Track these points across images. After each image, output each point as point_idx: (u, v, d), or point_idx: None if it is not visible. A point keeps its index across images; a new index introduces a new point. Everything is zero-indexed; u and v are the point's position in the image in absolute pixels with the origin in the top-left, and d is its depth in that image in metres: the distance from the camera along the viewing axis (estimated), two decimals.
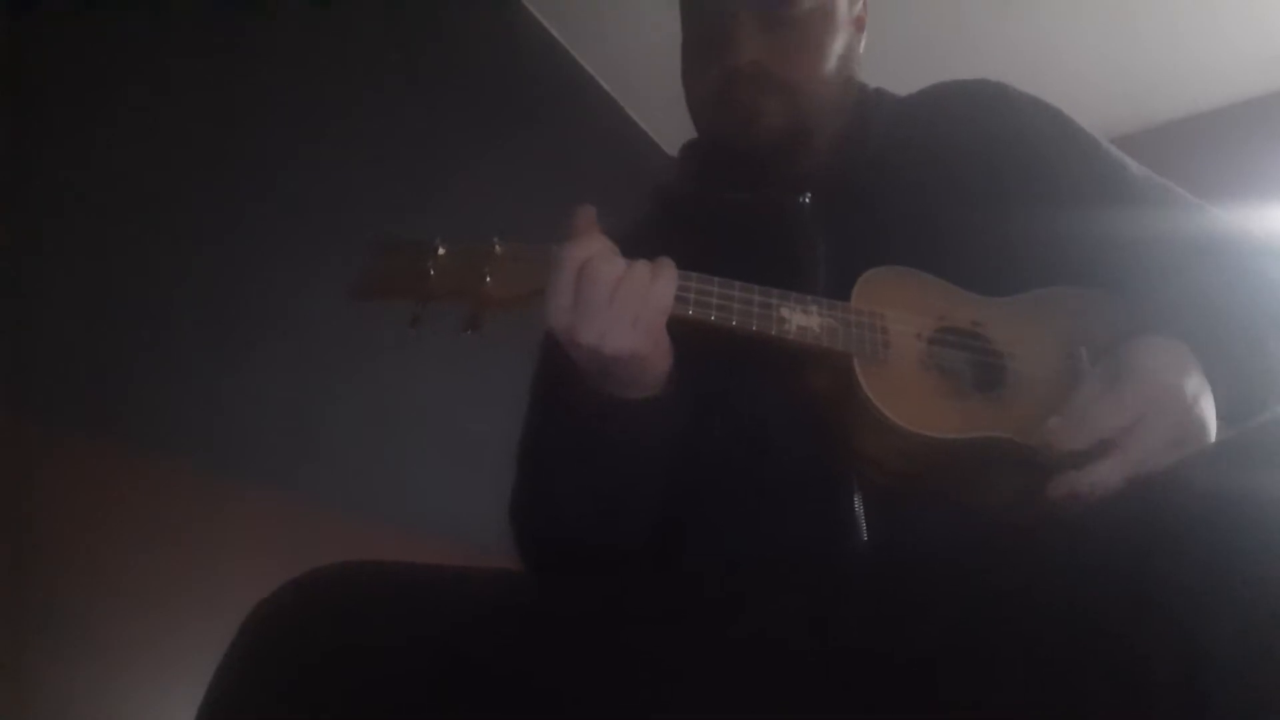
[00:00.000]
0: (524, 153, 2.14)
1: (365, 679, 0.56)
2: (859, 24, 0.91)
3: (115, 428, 1.38)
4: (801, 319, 0.72)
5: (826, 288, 0.76)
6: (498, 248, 0.72)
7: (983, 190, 0.83)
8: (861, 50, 0.92)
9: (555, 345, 0.80)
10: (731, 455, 0.78)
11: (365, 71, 1.92)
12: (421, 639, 0.58)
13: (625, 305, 0.67)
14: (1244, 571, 0.43)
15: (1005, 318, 0.77)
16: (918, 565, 0.61)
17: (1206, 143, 2.41)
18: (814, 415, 0.76)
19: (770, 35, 0.81)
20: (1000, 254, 0.79)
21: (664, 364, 0.72)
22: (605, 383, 0.72)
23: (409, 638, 0.58)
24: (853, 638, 0.55)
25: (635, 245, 0.71)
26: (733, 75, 0.81)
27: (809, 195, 0.86)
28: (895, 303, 0.75)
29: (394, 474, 1.82)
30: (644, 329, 0.68)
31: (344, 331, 1.77)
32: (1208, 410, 0.67)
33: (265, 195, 1.67)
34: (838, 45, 0.86)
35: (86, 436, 1.33)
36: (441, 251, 0.72)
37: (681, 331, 0.72)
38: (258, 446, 1.59)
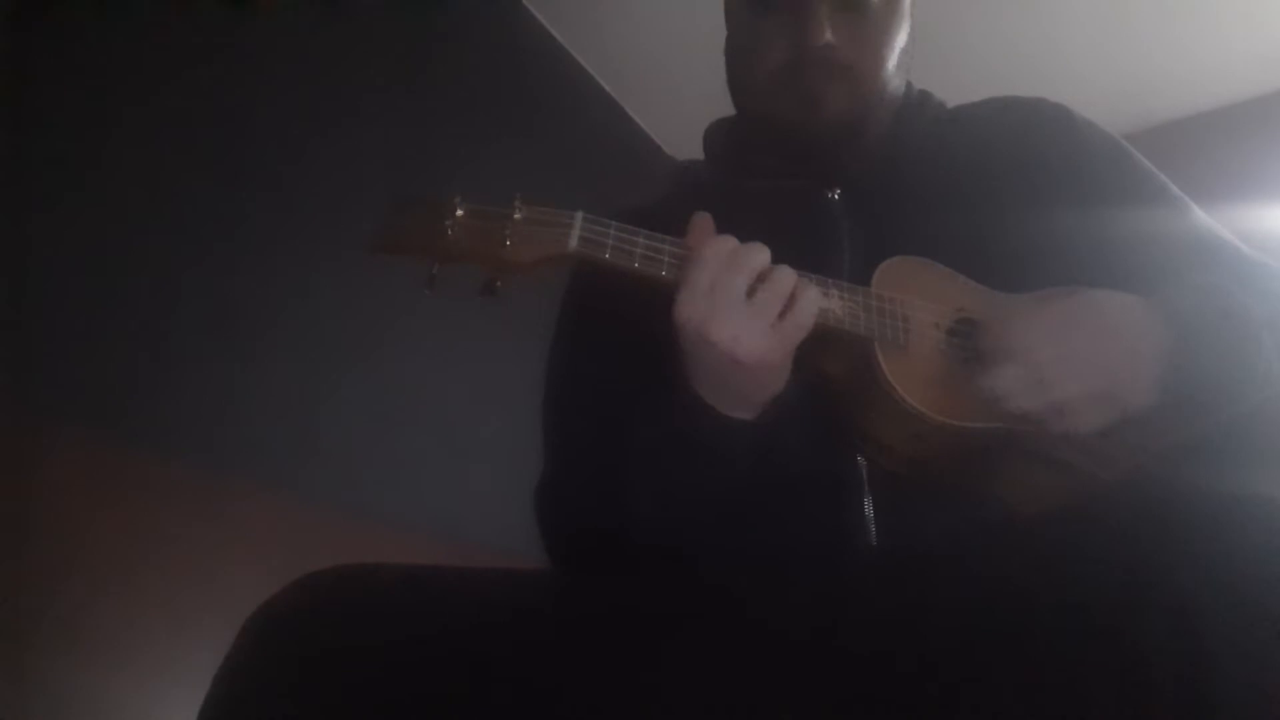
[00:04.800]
0: (524, 153, 2.14)
1: (367, 681, 0.56)
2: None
3: (115, 428, 1.38)
4: (823, 301, 0.72)
5: (850, 282, 0.76)
6: (518, 211, 0.70)
7: (1025, 198, 0.83)
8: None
9: (584, 324, 0.80)
10: None
11: (365, 71, 1.92)
12: (423, 640, 0.58)
13: (765, 306, 0.67)
14: (1244, 571, 0.44)
15: (1019, 313, 0.78)
16: (922, 566, 0.61)
17: (1206, 143, 2.41)
18: (824, 410, 0.76)
19: (844, 19, 0.82)
20: (1028, 258, 0.79)
21: (781, 383, 0.71)
22: (718, 390, 0.70)
23: (411, 639, 0.58)
24: (857, 639, 0.55)
25: (654, 225, 0.71)
26: (803, 57, 0.82)
27: (838, 191, 0.86)
28: (914, 291, 0.75)
29: (394, 474, 1.82)
30: (780, 338, 0.67)
31: (344, 331, 1.78)
32: (1140, 349, 0.69)
33: (265, 195, 1.67)
34: (901, 38, 0.87)
35: (87, 437, 1.33)
36: (460, 212, 0.70)
37: None
38: (258, 446, 1.59)
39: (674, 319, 0.68)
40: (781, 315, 0.68)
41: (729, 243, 0.69)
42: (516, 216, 0.70)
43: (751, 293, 0.67)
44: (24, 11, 1.36)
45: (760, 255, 0.69)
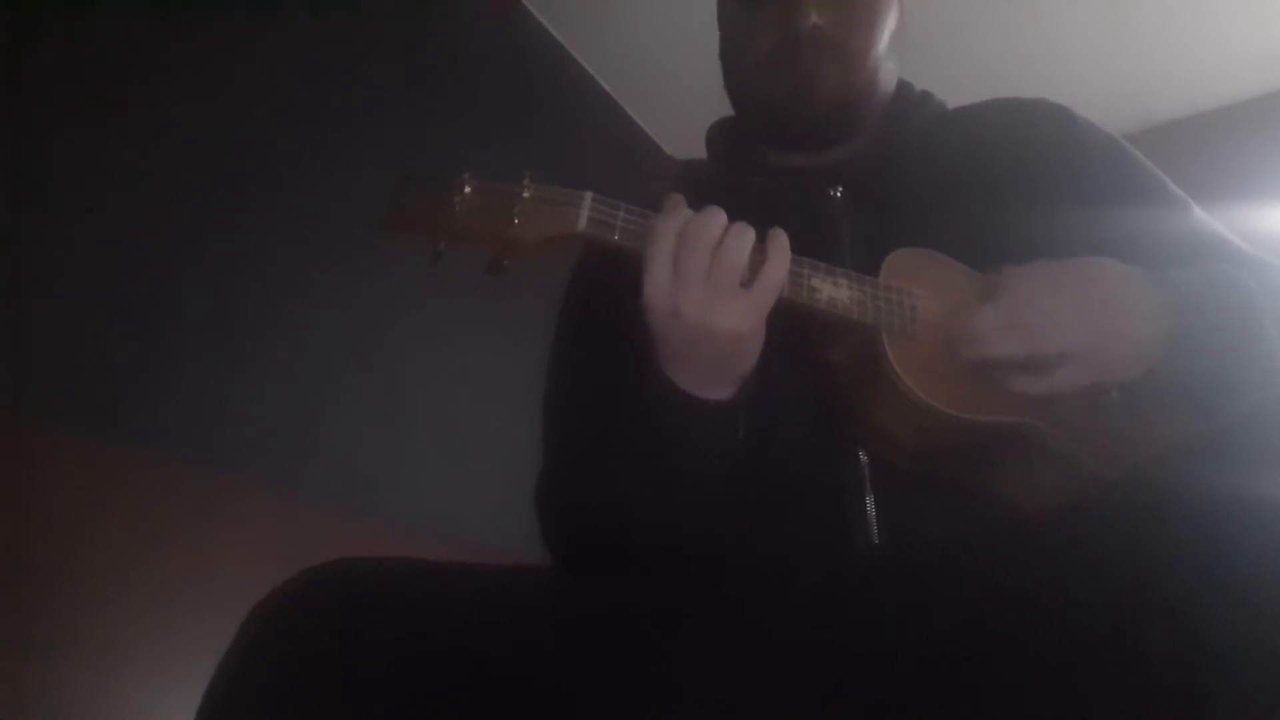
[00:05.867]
0: (524, 153, 2.14)
1: (367, 677, 0.56)
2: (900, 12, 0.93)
3: (115, 428, 1.38)
4: (831, 290, 0.71)
5: None
6: (526, 190, 0.70)
7: (1026, 197, 0.84)
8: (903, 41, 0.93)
9: (585, 320, 0.80)
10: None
11: (366, 71, 1.92)
12: (423, 636, 0.58)
13: (731, 271, 0.66)
14: (1244, 571, 0.43)
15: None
16: (923, 565, 0.61)
17: (1206, 143, 2.41)
18: (827, 404, 0.76)
19: (830, 2, 0.84)
20: (1028, 257, 0.79)
21: (754, 355, 0.71)
22: (692, 369, 0.69)
23: (411, 635, 0.58)
24: (858, 637, 0.55)
25: None
26: (795, 39, 0.83)
27: (841, 189, 0.87)
28: (922, 282, 0.75)
29: (394, 474, 1.82)
30: (752, 302, 0.67)
31: (345, 331, 1.78)
32: (1134, 314, 0.70)
33: (266, 195, 1.67)
34: (890, 22, 0.89)
35: (86, 436, 1.33)
36: (468, 189, 0.70)
37: None
38: (258, 446, 1.59)
39: (642, 300, 0.67)
40: (752, 279, 0.68)
41: (683, 214, 0.68)
42: (525, 195, 0.70)
43: (716, 260, 0.66)
44: (23, 11, 1.36)
45: (718, 219, 0.68)
